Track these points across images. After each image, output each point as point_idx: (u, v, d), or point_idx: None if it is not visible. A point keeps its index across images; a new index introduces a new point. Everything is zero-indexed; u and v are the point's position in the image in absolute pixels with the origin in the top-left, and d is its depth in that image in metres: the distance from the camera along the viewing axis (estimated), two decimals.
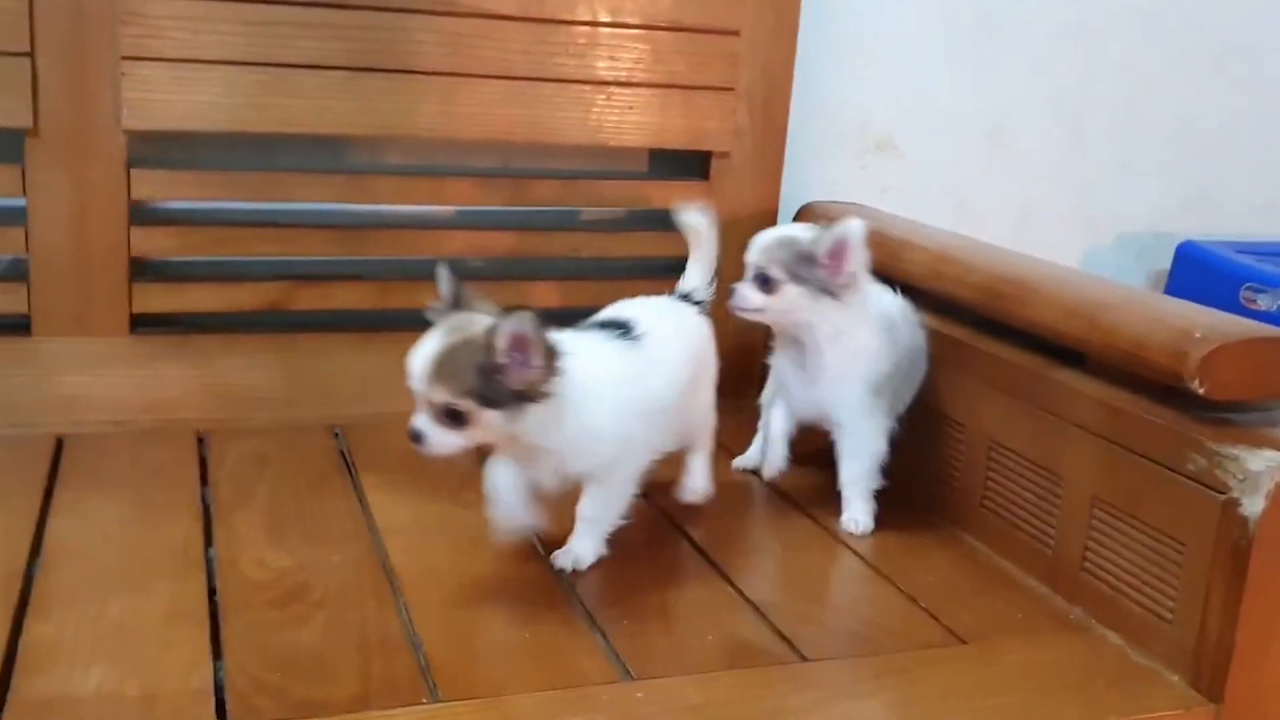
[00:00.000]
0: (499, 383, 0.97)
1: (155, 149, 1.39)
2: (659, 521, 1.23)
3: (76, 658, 0.91)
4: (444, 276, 1.04)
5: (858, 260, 1.18)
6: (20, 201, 1.32)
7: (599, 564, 1.12)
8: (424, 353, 0.98)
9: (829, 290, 1.18)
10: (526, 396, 0.99)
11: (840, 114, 1.75)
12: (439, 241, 1.50)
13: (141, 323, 1.38)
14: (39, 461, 1.25)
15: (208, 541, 1.11)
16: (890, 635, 1.05)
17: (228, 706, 0.86)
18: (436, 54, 1.42)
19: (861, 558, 1.20)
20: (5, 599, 0.98)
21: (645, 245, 1.60)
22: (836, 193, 1.68)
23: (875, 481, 1.26)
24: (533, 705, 0.90)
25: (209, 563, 1.07)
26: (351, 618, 1.00)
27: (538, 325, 0.97)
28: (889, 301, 1.28)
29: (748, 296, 1.20)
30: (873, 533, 1.24)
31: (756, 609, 1.07)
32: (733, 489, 1.31)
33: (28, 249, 1.32)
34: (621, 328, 1.12)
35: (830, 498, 1.30)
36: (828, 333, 1.21)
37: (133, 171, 1.34)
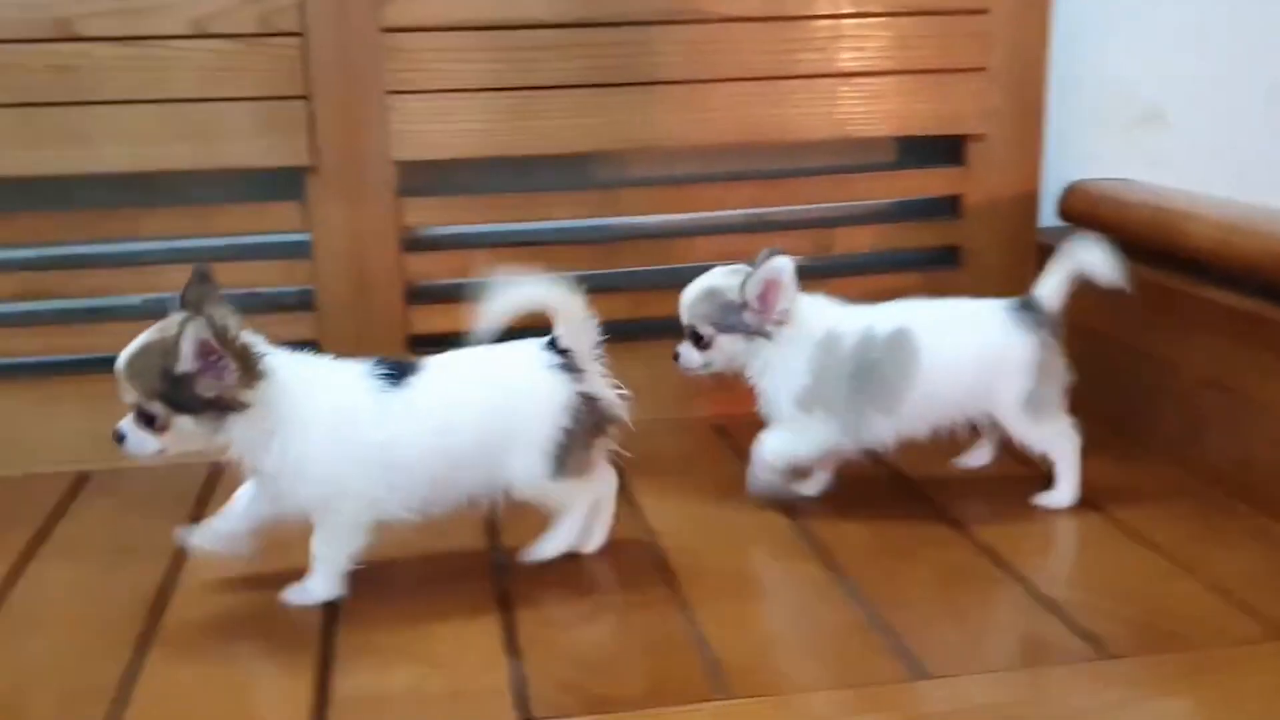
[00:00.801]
0: (188, 388, 0.94)
1: (418, 178, 1.45)
2: (938, 521, 1.20)
3: (385, 658, 0.95)
4: (194, 273, 1.00)
5: (788, 297, 1.17)
6: (305, 236, 1.41)
7: (878, 564, 1.10)
8: (125, 351, 0.96)
9: (760, 332, 1.18)
10: (223, 405, 0.96)
11: (1102, 86, 1.65)
12: (688, 249, 1.51)
13: (419, 342, 1.44)
14: None
15: (493, 546, 1.15)
16: (1201, 631, 0.98)
17: (530, 703, 0.88)
18: (676, 62, 1.43)
19: (1158, 550, 1.13)
20: (320, 608, 1.03)
21: (898, 238, 1.56)
22: (1103, 169, 1.60)
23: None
24: (826, 703, 0.88)
25: (497, 566, 1.11)
26: (636, 617, 1.01)
27: (225, 332, 0.94)
28: (838, 316, 1.20)
29: (687, 357, 1.21)
30: (1165, 524, 1.17)
31: (1052, 606, 1.02)
32: (1016, 486, 1.25)
33: (314, 280, 1.42)
34: (397, 370, 1.03)
35: (1119, 492, 1.23)
36: (758, 366, 1.21)
37: (403, 200, 1.42)
